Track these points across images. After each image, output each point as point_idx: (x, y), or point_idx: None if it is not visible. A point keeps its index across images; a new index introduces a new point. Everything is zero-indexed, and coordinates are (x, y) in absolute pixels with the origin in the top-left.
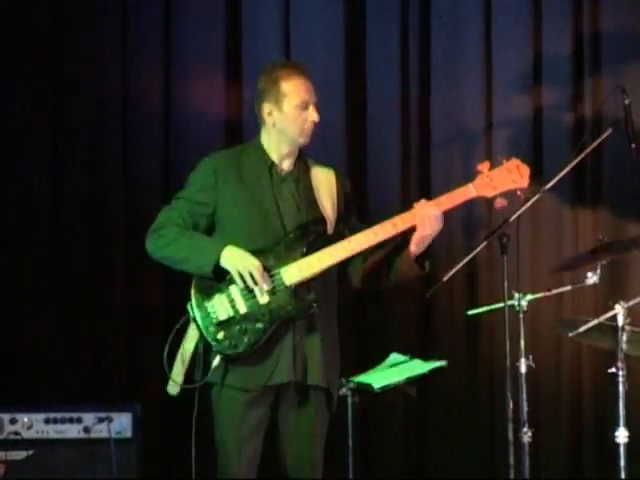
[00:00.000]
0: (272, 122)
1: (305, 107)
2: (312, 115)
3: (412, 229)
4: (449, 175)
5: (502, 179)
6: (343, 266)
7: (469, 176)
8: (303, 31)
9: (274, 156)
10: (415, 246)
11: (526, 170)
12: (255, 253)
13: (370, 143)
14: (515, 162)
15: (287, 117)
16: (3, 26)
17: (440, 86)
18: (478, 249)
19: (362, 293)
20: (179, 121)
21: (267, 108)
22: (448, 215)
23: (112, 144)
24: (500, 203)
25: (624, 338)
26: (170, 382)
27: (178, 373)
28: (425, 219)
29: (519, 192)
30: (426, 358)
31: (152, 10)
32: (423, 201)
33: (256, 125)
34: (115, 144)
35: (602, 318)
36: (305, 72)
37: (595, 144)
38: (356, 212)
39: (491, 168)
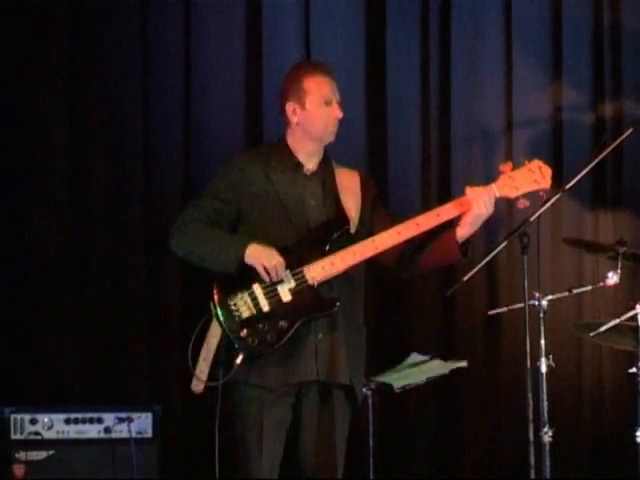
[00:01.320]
0: (296, 120)
1: (328, 104)
2: (336, 112)
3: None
4: (469, 175)
5: (524, 180)
6: (381, 254)
7: (490, 176)
8: (324, 35)
9: (300, 156)
10: (468, 226)
11: (548, 171)
12: (279, 251)
13: (391, 144)
14: (537, 163)
15: (310, 114)
16: (20, 26)
17: (460, 86)
18: (498, 249)
19: (382, 292)
20: (199, 124)
21: (291, 107)
22: None
23: (131, 151)
24: (523, 204)
25: None
26: (194, 380)
27: (202, 371)
28: (480, 198)
29: (541, 193)
30: (446, 358)
31: (172, 13)
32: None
33: (277, 128)
34: (134, 156)
35: (623, 318)
36: (328, 71)
37: (615, 144)
38: (387, 213)
39: (513, 169)
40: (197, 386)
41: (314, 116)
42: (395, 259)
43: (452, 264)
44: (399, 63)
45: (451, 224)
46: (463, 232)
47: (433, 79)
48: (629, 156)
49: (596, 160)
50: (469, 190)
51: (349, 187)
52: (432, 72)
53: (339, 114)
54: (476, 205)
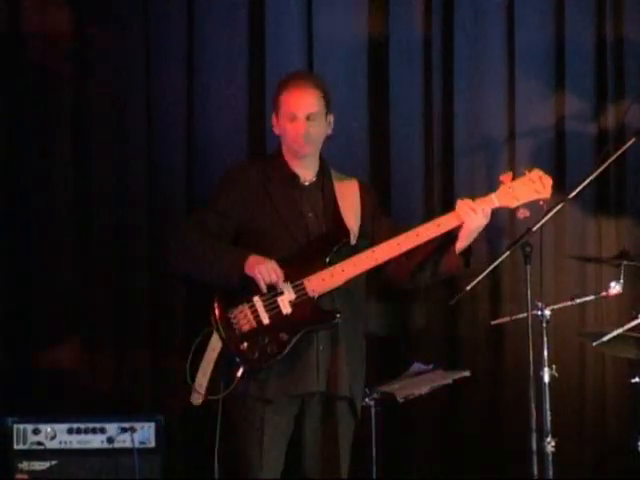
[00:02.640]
0: (277, 133)
1: (292, 119)
2: (297, 127)
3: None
4: (472, 184)
5: (525, 190)
6: (383, 265)
7: (492, 185)
8: (327, 44)
9: (294, 167)
10: (464, 240)
11: (549, 181)
12: (279, 263)
13: (393, 153)
14: (538, 173)
15: (280, 128)
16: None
17: (463, 96)
18: (501, 258)
19: (384, 302)
20: (201, 132)
21: (273, 119)
22: None
23: (135, 159)
24: (523, 214)
25: None
26: (193, 393)
27: (201, 384)
28: (469, 213)
29: (542, 203)
30: (449, 368)
31: (175, 21)
32: (467, 199)
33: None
34: (138, 160)
35: (626, 327)
36: (302, 83)
37: (618, 153)
38: (389, 219)
39: (514, 179)
40: (196, 399)
41: (283, 131)
42: (399, 271)
43: (455, 275)
44: (402, 72)
45: (451, 233)
46: (461, 245)
47: (436, 88)
48: (632, 166)
49: (599, 170)
50: (459, 205)
51: (348, 197)
52: (435, 81)
53: (300, 130)
54: (468, 219)
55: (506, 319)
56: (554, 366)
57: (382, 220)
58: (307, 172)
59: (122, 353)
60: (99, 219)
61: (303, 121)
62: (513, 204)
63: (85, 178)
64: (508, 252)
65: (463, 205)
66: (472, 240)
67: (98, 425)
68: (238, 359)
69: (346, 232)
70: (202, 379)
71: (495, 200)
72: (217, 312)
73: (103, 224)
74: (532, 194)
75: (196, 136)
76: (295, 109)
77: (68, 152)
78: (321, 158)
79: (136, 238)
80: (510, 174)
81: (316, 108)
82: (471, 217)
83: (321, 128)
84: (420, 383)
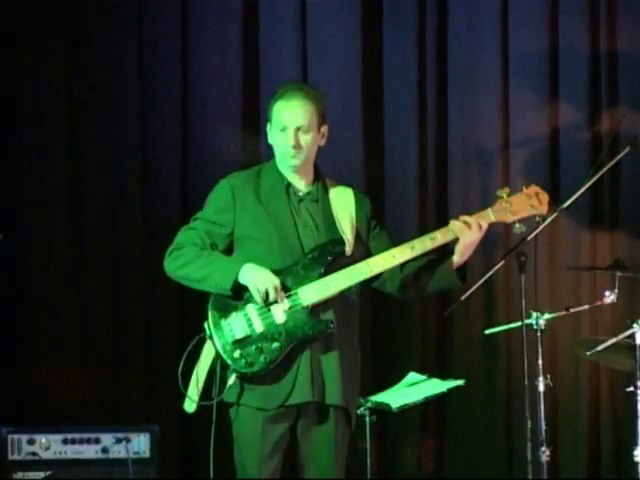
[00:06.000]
0: (270, 142)
1: (283, 130)
2: (287, 138)
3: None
4: (466, 195)
5: (521, 205)
6: (378, 276)
7: (486, 195)
8: (321, 54)
9: (288, 176)
10: (460, 255)
11: (546, 197)
12: (273, 272)
13: (388, 163)
14: (535, 189)
15: (273, 139)
16: (19, 37)
17: (457, 105)
18: (496, 268)
19: (379, 312)
20: (196, 140)
21: (268, 129)
22: None
23: (130, 167)
24: (519, 229)
25: None
26: (187, 399)
27: (194, 391)
28: (464, 229)
29: (538, 218)
30: (444, 377)
31: (169, 29)
32: (463, 215)
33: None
34: (132, 169)
35: (620, 337)
36: (295, 94)
37: (612, 163)
38: (383, 229)
39: (511, 194)
40: (189, 406)
41: (274, 142)
42: (393, 284)
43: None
44: (396, 82)
45: (447, 248)
46: (457, 260)
47: (430, 98)
48: (626, 175)
49: (593, 179)
50: (453, 223)
51: (343, 206)
52: (429, 91)
53: (288, 141)
54: (463, 236)
55: (501, 329)
56: (549, 375)
57: (377, 231)
58: (301, 182)
59: (117, 362)
60: (92, 223)
61: (293, 132)
62: (509, 219)
63: (79, 180)
64: (503, 261)
65: (457, 222)
66: (470, 254)
67: (93, 435)
68: (231, 366)
69: (341, 242)
70: (195, 386)
71: (492, 215)
72: (211, 319)
73: (97, 230)
74: (529, 210)
75: (191, 144)
76: (285, 121)
77: (62, 154)
78: (316, 167)
79: (130, 247)
80: (507, 189)
81: (306, 121)
82: (466, 233)
83: (312, 139)
84: (415, 393)
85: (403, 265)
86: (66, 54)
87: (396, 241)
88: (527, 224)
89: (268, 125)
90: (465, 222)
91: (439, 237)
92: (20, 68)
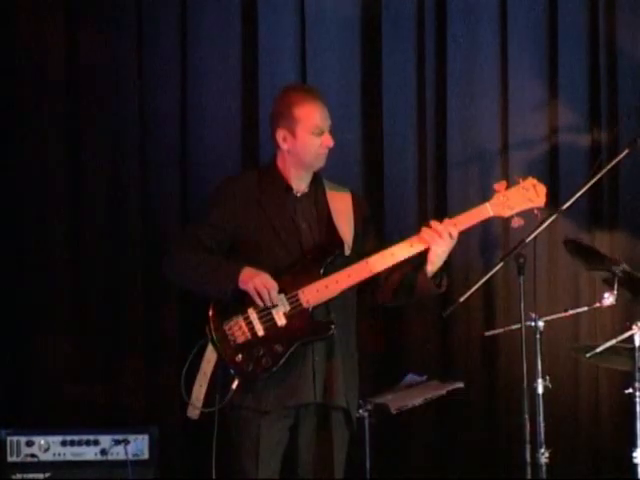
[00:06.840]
0: (287, 148)
1: (319, 133)
2: (326, 141)
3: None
4: (466, 196)
5: (519, 198)
6: (364, 284)
7: (485, 197)
8: (320, 54)
9: (290, 179)
10: (431, 264)
11: (543, 189)
12: (273, 275)
13: (387, 164)
14: (532, 181)
15: (301, 143)
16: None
17: (456, 107)
18: (495, 270)
19: (378, 314)
20: (195, 142)
21: (281, 133)
22: (464, 235)
23: (129, 167)
24: (517, 222)
25: None
26: (190, 406)
27: (197, 396)
28: (436, 237)
29: (536, 211)
30: (443, 379)
31: (168, 31)
32: (434, 222)
33: (272, 148)
34: (132, 172)
35: (619, 339)
36: (318, 96)
37: (611, 165)
38: (375, 233)
39: (508, 187)
40: (192, 412)
41: (304, 145)
42: (379, 292)
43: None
44: (395, 84)
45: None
46: (430, 268)
47: (429, 100)
48: (625, 177)
49: (592, 181)
50: (424, 231)
51: (342, 208)
52: (428, 93)
53: (330, 143)
54: (434, 244)
55: (500, 330)
56: (548, 377)
57: (370, 232)
58: (301, 183)
59: (117, 363)
60: (92, 226)
61: (329, 133)
62: (507, 213)
63: (78, 181)
64: (501, 263)
65: (428, 230)
66: (441, 263)
67: (92, 437)
68: (233, 371)
69: (340, 243)
70: (198, 392)
71: (489, 209)
72: (212, 324)
73: (97, 232)
74: (526, 203)
75: (190, 147)
76: (322, 122)
77: (60, 155)
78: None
79: (131, 249)
80: (504, 183)
81: (330, 121)
82: (437, 241)
83: None
84: (414, 394)
85: (386, 273)
86: (66, 54)
87: (394, 242)
88: (525, 218)
89: (281, 130)
90: (436, 231)
91: (416, 243)
92: (20, 68)
